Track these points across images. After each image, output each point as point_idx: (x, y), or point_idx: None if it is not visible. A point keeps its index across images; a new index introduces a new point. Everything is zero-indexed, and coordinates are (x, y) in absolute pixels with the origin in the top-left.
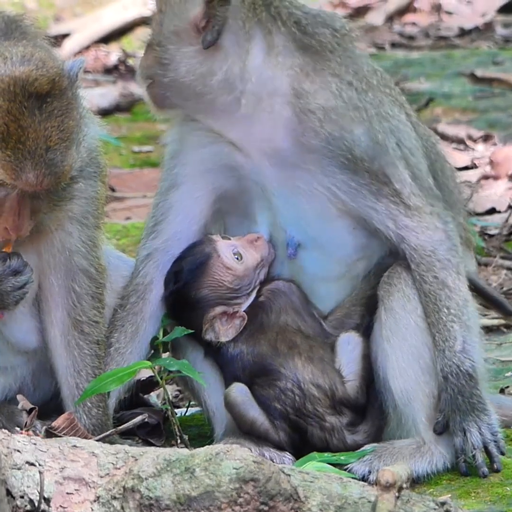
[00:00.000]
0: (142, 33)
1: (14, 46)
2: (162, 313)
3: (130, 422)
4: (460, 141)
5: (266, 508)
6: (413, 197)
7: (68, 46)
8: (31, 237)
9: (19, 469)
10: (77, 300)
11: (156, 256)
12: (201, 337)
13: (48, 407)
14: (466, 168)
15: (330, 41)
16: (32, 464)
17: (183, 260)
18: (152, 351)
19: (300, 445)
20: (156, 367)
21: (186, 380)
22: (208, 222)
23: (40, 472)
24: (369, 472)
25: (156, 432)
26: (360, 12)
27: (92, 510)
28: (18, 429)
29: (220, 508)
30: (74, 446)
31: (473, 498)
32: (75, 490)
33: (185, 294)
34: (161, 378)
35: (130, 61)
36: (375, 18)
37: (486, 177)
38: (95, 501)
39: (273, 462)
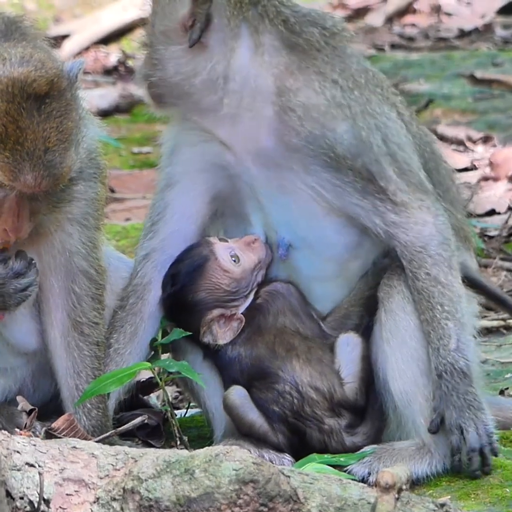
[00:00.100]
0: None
1: (14, 47)
2: (161, 313)
3: (129, 423)
4: (460, 143)
5: (265, 509)
6: (400, 193)
7: (68, 47)
8: (31, 239)
9: (18, 470)
10: (77, 301)
11: (153, 256)
12: (199, 340)
13: (48, 408)
14: (465, 169)
15: (318, 40)
16: (32, 465)
17: (181, 262)
18: (152, 353)
19: (299, 447)
20: (156, 368)
21: (186, 382)
22: (206, 222)
23: (39, 473)
24: (369, 473)
25: (156, 433)
26: (359, 13)
27: (92, 511)
28: (17, 429)
29: (220, 509)
30: (74, 447)
31: (472, 499)
32: (75, 491)
33: (183, 297)
34: (161, 380)
35: (130, 62)
36: (375, 19)
37: (485, 179)
38: (94, 502)
39: (273, 463)
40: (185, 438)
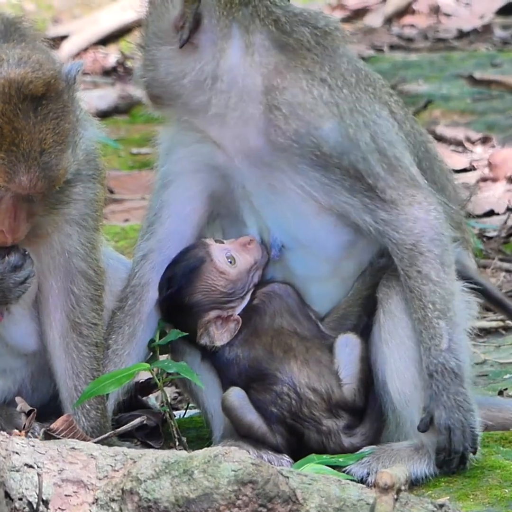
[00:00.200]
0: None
1: (12, 49)
2: (159, 314)
3: (128, 424)
4: (459, 143)
5: (264, 510)
6: (389, 190)
7: (67, 48)
8: (29, 240)
9: (17, 471)
10: (76, 302)
11: (151, 257)
12: (196, 341)
13: (47, 409)
14: (464, 170)
15: (309, 39)
16: (31, 466)
17: (177, 264)
18: (151, 354)
19: (298, 448)
20: (155, 369)
21: (185, 382)
22: (203, 222)
23: (38, 474)
24: (368, 474)
25: (155, 434)
26: (358, 14)
27: None
28: (15, 430)
29: (219, 510)
30: (73, 448)
31: (471, 500)
32: (74, 492)
33: (179, 299)
34: (160, 380)
35: (129, 63)
36: (374, 20)
37: (484, 179)
38: (93, 503)
39: (271, 464)
40: (184, 439)
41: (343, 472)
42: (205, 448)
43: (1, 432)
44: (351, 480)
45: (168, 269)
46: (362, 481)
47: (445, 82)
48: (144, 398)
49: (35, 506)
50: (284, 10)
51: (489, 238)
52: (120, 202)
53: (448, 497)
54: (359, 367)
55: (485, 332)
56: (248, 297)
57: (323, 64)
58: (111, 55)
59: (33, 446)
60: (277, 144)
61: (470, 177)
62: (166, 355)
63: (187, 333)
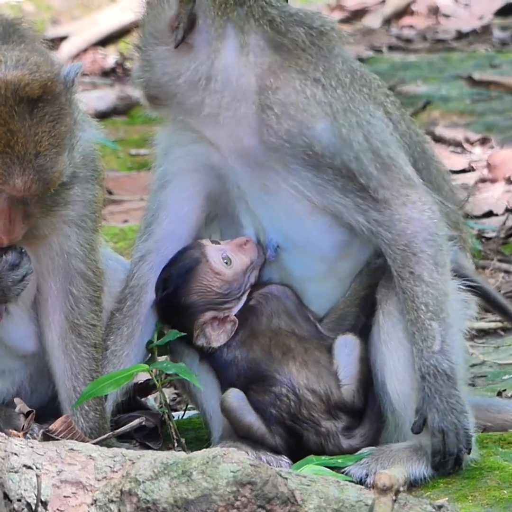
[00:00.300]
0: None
1: (11, 50)
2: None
3: (127, 425)
4: (458, 144)
5: (263, 511)
6: (382, 190)
7: (66, 49)
8: (28, 241)
9: (16, 472)
10: (74, 303)
11: (149, 258)
12: (193, 343)
13: (46, 411)
14: (463, 171)
15: (304, 40)
16: (30, 467)
17: (173, 265)
18: (149, 355)
19: (297, 449)
20: (153, 370)
21: (183, 384)
22: (200, 223)
23: (37, 475)
24: (366, 475)
25: (154, 435)
26: (357, 15)
27: None
28: (14, 431)
29: (217, 511)
30: (71, 449)
31: (470, 501)
32: (72, 493)
33: (175, 300)
34: (158, 381)
35: (128, 64)
36: (373, 21)
37: (483, 180)
38: (92, 504)
39: (270, 465)
40: (183, 440)
41: (342, 473)
42: (204, 449)
43: (0, 433)
44: (350, 481)
45: (164, 270)
46: (361, 482)
47: (444, 83)
48: (142, 399)
49: (33, 507)
50: (280, 10)
51: (488, 239)
52: (119, 203)
53: (446, 498)
54: (358, 368)
55: (484, 333)
56: (244, 298)
57: (317, 64)
58: (110, 56)
59: (32, 447)
60: (269, 144)
61: (469, 178)
62: (165, 356)
63: (185, 333)
